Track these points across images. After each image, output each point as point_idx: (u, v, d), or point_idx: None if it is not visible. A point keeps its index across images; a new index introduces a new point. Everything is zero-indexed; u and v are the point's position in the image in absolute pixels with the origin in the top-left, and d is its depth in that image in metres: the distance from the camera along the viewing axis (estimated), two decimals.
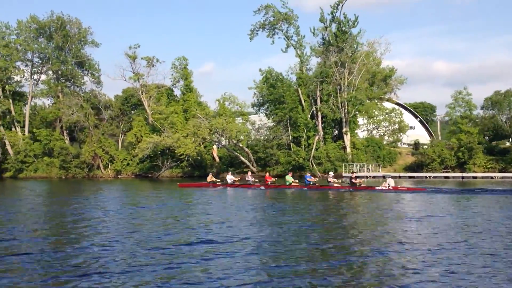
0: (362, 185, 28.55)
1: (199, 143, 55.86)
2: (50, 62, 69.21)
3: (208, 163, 60.59)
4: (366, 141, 56.93)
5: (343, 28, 54.67)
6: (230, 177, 33.64)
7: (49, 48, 68.92)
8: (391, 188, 27.06)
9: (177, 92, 68.70)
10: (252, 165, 57.29)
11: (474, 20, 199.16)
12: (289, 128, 56.12)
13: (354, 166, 51.91)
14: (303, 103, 56.74)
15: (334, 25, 56.65)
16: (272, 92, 55.87)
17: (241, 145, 56.34)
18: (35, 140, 68.77)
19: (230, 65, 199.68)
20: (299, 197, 24.55)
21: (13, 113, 69.82)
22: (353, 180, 28.68)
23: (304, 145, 55.11)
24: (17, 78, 71.68)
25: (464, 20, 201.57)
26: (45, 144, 66.91)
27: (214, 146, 61.51)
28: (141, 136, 63.29)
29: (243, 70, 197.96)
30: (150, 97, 66.50)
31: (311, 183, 30.30)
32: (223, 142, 58.20)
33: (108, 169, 65.72)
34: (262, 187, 31.02)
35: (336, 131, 59.83)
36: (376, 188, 27.56)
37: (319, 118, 56.30)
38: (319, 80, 55.12)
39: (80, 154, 64.78)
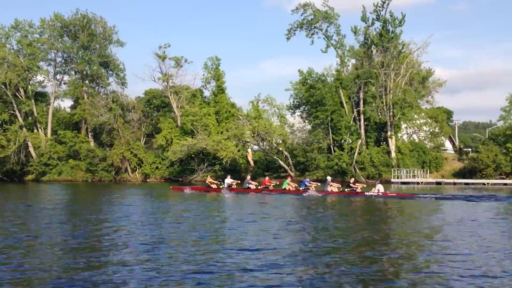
0: (358, 190, 29.18)
1: (242, 146, 53.70)
2: (76, 62, 66.98)
3: (243, 167, 58.25)
4: (411, 145, 54.54)
5: (389, 27, 52.42)
6: (228, 181, 34.04)
7: (74, 47, 66.64)
8: (381, 194, 27.70)
9: (206, 93, 66.75)
10: (291, 170, 54.98)
11: (471, 28, 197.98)
12: (330, 131, 53.80)
13: (403, 171, 49.56)
14: (344, 105, 54.45)
15: (376, 24, 54.55)
16: (313, 94, 53.53)
17: (280, 148, 54.03)
18: (59, 142, 66.46)
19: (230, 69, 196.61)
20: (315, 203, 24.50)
21: (35, 114, 67.48)
22: (351, 184, 29.70)
23: (347, 149, 52.79)
24: (40, 78, 69.62)
25: (461, 27, 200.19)
26: (70, 146, 64.55)
27: (249, 150, 59.21)
28: (171, 139, 61.20)
29: (240, 74, 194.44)
30: (180, 98, 64.39)
31: (311, 188, 30.75)
32: (262, 145, 55.86)
33: (136, 173, 63.37)
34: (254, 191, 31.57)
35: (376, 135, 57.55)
36: (366, 193, 28.21)
37: (362, 121, 54.02)
38: (363, 81, 52.86)
39: (106, 157, 62.47)
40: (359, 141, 53.20)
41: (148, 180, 62.22)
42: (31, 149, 65.86)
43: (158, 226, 15.47)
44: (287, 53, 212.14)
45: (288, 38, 58.17)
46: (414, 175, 49.97)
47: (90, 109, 63.66)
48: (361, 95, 53.89)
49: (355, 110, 54.92)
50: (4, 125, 64.41)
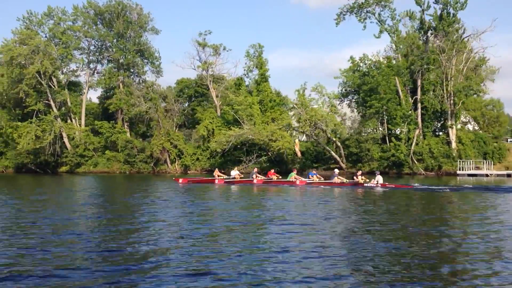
0: (360, 182, 28.78)
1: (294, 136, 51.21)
2: (112, 50, 64.67)
3: (289, 159, 55.68)
4: (473, 135, 51.57)
5: (450, 10, 49.37)
6: (234, 173, 33.94)
7: (110, 35, 64.28)
8: (379, 185, 27.47)
9: (247, 82, 64.17)
10: (342, 161, 52.35)
11: (476, 18, 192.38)
12: (385, 121, 51.04)
13: (467, 163, 46.69)
14: (400, 93, 51.58)
15: (431, 10, 51.46)
16: (367, 81, 50.67)
17: (334, 138, 51.41)
18: (95, 133, 64.37)
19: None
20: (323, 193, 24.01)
21: (69, 104, 65.36)
22: (355, 177, 29.38)
23: (404, 139, 50.01)
24: (73, 67, 67.51)
25: (466, 17, 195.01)
26: (107, 137, 62.39)
27: (297, 140, 56.57)
28: (212, 129, 58.88)
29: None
30: (219, 87, 62.04)
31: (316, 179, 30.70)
32: (314, 135, 53.23)
33: (176, 164, 61.07)
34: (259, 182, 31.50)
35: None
36: (365, 184, 27.96)
37: (419, 110, 51.14)
38: (423, 68, 49.90)
39: (145, 148, 60.24)
40: (417, 131, 50.36)
41: (188, 171, 59.95)
42: (65, 140, 63.82)
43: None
44: (288, 45, 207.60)
45: (337, 23, 55.20)
46: (478, 167, 47.10)
47: (127, 99, 61.44)
48: (419, 83, 50.95)
49: (410, 98, 52.03)
50: (39, 115, 62.37)
